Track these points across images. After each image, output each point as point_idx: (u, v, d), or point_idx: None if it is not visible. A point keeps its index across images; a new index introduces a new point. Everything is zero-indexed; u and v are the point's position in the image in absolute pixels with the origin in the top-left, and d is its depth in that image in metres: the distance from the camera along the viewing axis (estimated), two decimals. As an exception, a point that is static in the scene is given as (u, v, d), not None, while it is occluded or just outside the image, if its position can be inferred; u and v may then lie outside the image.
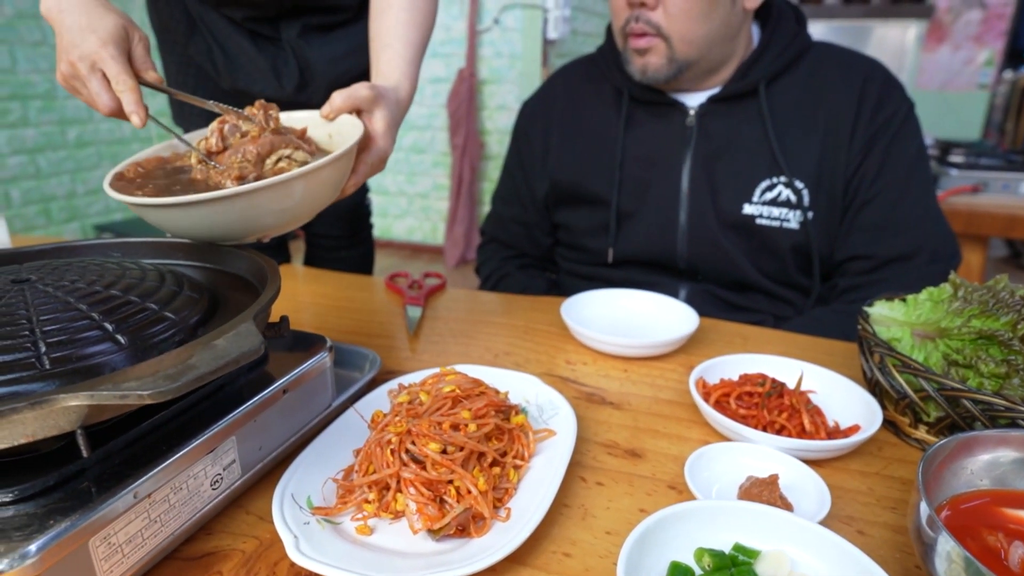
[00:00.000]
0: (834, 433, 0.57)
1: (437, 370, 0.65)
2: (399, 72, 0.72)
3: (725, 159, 0.95)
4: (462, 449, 0.49)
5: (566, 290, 1.12)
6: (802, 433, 0.57)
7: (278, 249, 1.29)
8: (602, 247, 1.04)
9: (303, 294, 0.95)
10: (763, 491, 0.48)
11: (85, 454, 0.38)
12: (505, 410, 0.55)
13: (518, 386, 0.63)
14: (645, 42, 0.89)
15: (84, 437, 0.38)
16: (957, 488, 0.45)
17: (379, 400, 0.61)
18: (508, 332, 0.82)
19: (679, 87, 0.97)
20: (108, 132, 3.02)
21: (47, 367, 0.40)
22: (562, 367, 0.73)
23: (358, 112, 0.66)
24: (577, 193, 1.05)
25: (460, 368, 0.65)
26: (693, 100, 0.97)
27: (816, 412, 0.59)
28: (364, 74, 1.13)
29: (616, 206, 1.01)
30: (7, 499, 0.38)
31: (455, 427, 0.50)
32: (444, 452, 0.48)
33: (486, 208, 3.52)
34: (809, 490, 0.50)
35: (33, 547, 0.35)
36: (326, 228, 1.35)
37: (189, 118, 1.12)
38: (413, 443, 0.48)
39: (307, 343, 0.59)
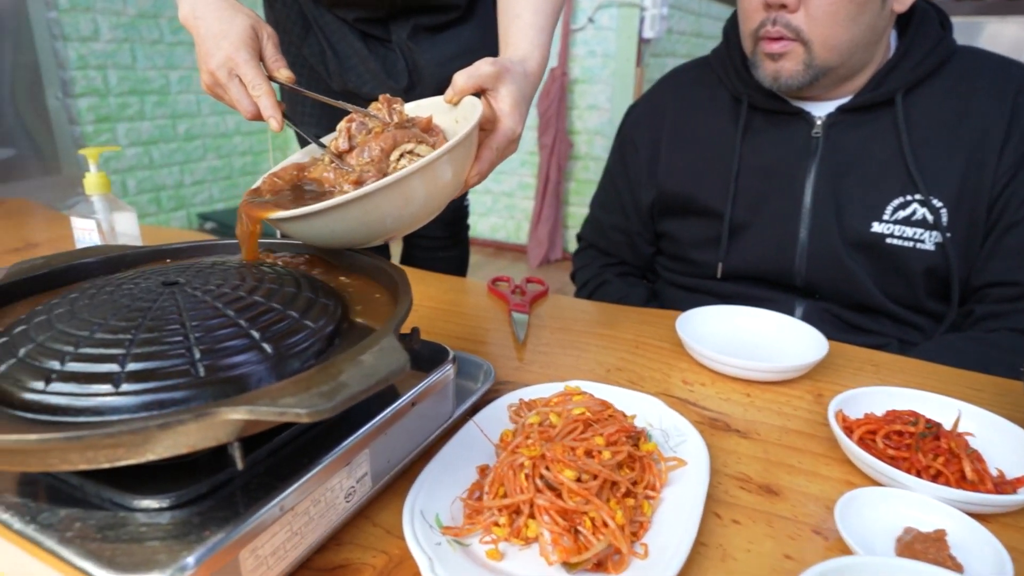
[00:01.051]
0: (1002, 484, 0.52)
1: (556, 386, 0.63)
2: (528, 41, 0.68)
3: (854, 174, 0.88)
4: (596, 477, 0.47)
5: (666, 301, 1.08)
6: (962, 482, 0.52)
7: (380, 248, 1.31)
8: (710, 260, 1.00)
9: (407, 296, 0.96)
10: (928, 548, 0.44)
11: (240, 466, 0.38)
12: (635, 436, 0.53)
13: (640, 408, 0.61)
14: (780, 46, 0.84)
15: (240, 449, 0.38)
16: None
17: (498, 413, 0.60)
18: (618, 345, 0.79)
19: (806, 95, 0.91)
20: (213, 126, 3.18)
21: (201, 375, 0.41)
22: (679, 387, 0.70)
23: (482, 91, 0.63)
24: (687, 203, 1.01)
25: (576, 384, 0.63)
26: (820, 109, 0.91)
27: (976, 458, 0.54)
28: None
29: (729, 219, 0.96)
30: (164, 505, 0.39)
31: (588, 453, 0.48)
32: (578, 480, 0.46)
33: (572, 208, 3.53)
34: (982, 551, 0.45)
35: (192, 559, 0.35)
36: (426, 228, 1.35)
37: (301, 117, 1.15)
38: (547, 468, 0.46)
39: (429, 353, 0.59)
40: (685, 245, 1.03)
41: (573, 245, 3.44)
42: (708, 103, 1.01)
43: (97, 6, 2.49)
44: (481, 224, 3.63)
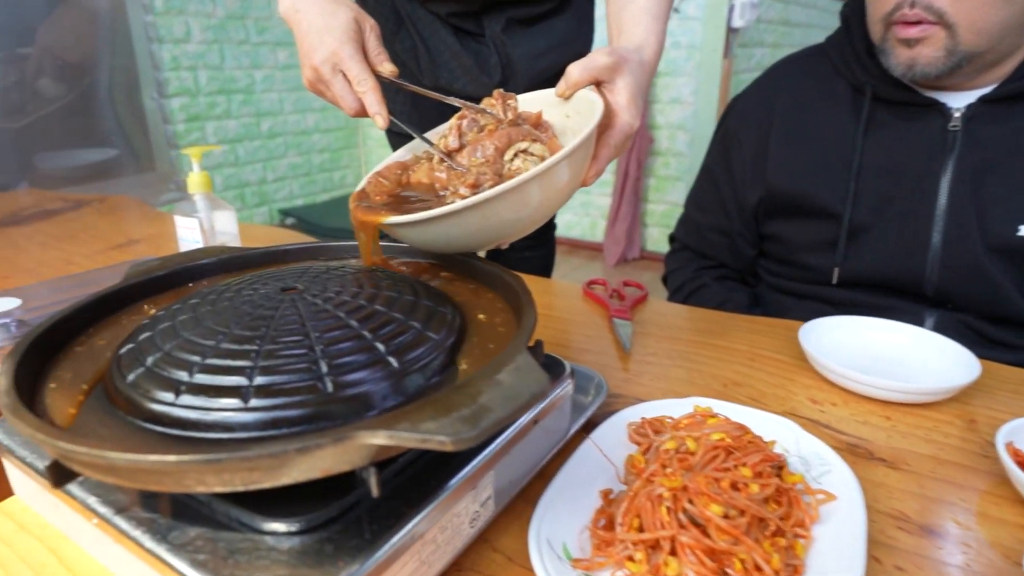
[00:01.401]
0: None
1: (677, 403, 0.59)
2: (643, 28, 0.63)
3: (999, 172, 0.80)
4: (743, 513, 0.42)
5: (771, 308, 1.01)
6: None
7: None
8: (824, 265, 0.92)
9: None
10: None
11: (375, 493, 0.35)
12: (778, 465, 0.48)
13: (773, 431, 0.55)
14: (918, 31, 0.77)
15: (376, 474, 0.35)
16: None
17: (616, 432, 0.56)
18: (731, 357, 0.74)
19: (942, 85, 0.83)
20: (294, 124, 3.26)
21: (329, 391, 0.38)
22: (807, 407, 0.64)
23: (597, 84, 0.59)
24: (798, 204, 0.94)
25: (704, 404, 0.58)
26: (958, 101, 0.83)
27: None
28: (564, 70, 1.09)
29: (848, 220, 0.89)
30: (293, 529, 0.37)
31: (734, 486, 0.43)
32: (725, 516, 0.41)
33: (651, 206, 3.43)
34: None
35: (331, 592, 0.33)
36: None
37: (390, 111, 1.13)
38: (691, 502, 0.42)
39: (544, 366, 0.55)
40: (795, 248, 0.96)
41: (652, 244, 3.36)
42: (824, 95, 0.94)
43: (189, 8, 2.58)
44: (557, 221, 3.56)
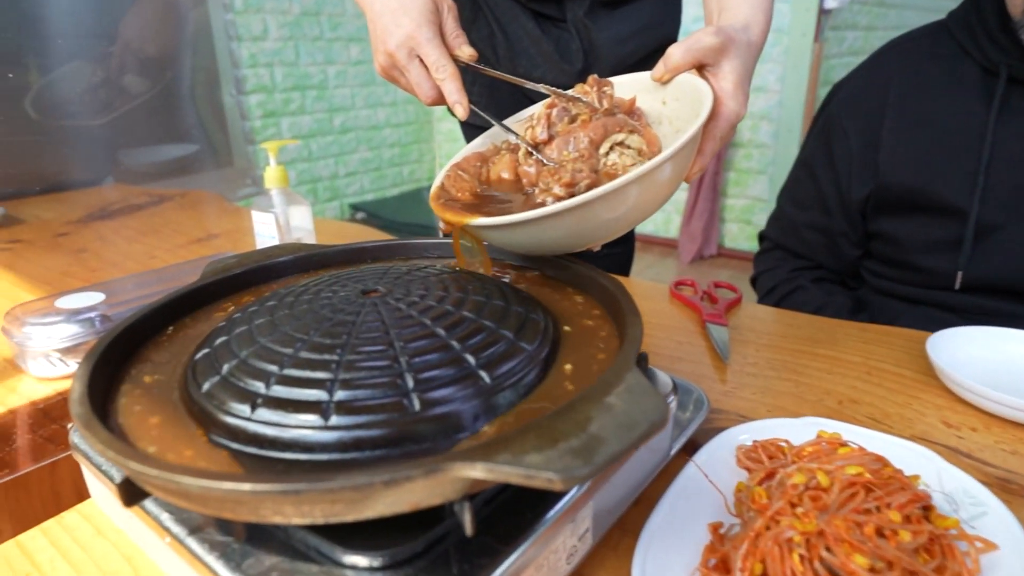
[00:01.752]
0: None
1: (790, 423, 0.52)
2: (749, 4, 0.56)
3: None
4: (892, 566, 0.35)
5: (877, 313, 0.92)
6: None
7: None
8: (945, 267, 0.83)
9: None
10: None
11: (469, 531, 0.31)
12: (923, 506, 0.41)
13: (908, 461, 0.48)
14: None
15: (470, 511, 0.31)
16: None
17: (721, 454, 0.50)
18: (843, 370, 0.66)
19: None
20: (365, 119, 3.30)
21: (416, 409, 0.34)
22: (940, 431, 0.56)
23: (699, 68, 0.53)
24: (915, 199, 0.84)
25: (815, 423, 0.52)
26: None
27: None
28: (650, 55, 1.02)
29: (976, 218, 0.79)
30: (376, 564, 0.33)
31: (879, 532, 0.37)
32: (871, 569, 0.35)
33: (730, 201, 3.28)
34: None
35: (419, 645, 0.29)
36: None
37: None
38: (829, 550, 0.36)
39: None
40: (909, 248, 0.86)
41: (730, 240, 3.21)
42: (947, 78, 0.84)
43: (267, 6, 2.64)
44: (638, 216, 3.47)
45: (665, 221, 3.38)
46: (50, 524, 0.48)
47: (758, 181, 3.02)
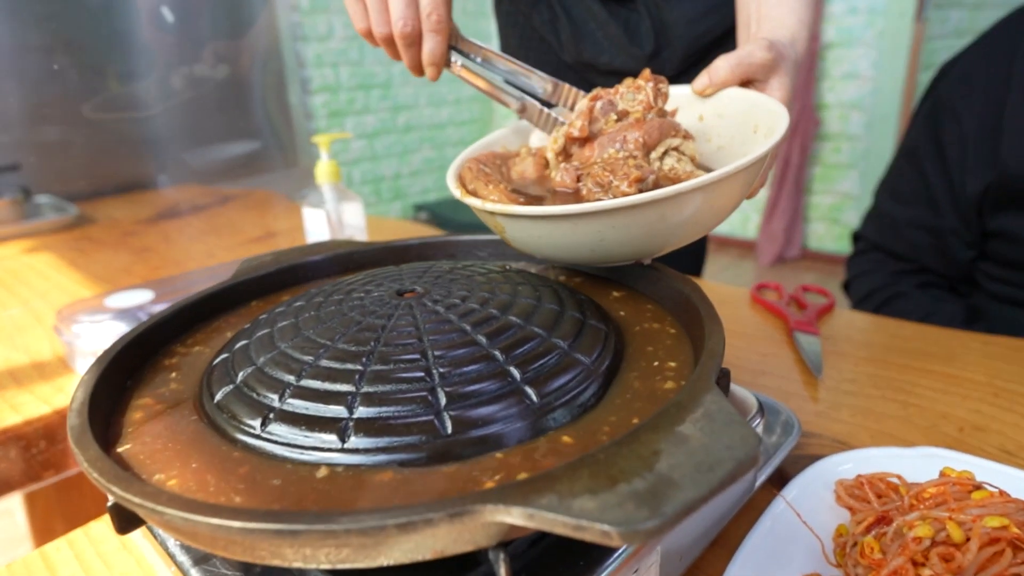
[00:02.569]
0: None
1: (900, 452, 0.44)
2: (795, 17, 0.51)
3: None
4: (1058, 655, 0.27)
5: (996, 324, 0.80)
6: None
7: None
8: (1083, 269, 0.71)
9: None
10: None
11: (504, 587, 0.25)
12: (1090, 571, 0.32)
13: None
14: None
15: (506, 563, 0.25)
16: None
17: (816, 487, 0.42)
18: (963, 390, 0.57)
19: None
20: (429, 117, 3.30)
21: (447, 431, 0.29)
22: (1092, 469, 0.46)
23: (748, 82, 0.48)
24: (1046, 190, 0.73)
25: (937, 456, 0.43)
26: None
27: None
28: (724, 35, 0.94)
29: (1124, 210, 0.67)
30: (396, 616, 0.28)
31: (1037, 608, 0.29)
32: (1030, 658, 0.27)
33: (815, 198, 3.06)
34: None
35: None
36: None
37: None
38: (970, 630, 0.28)
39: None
40: (1038, 249, 0.75)
41: (816, 241, 3.01)
42: (1087, 49, 0.72)
43: (332, 7, 2.68)
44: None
45: (743, 220, 3.19)
46: (76, 535, 0.46)
47: (848, 176, 2.80)
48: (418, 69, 0.53)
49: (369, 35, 0.52)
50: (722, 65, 0.48)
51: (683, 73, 0.89)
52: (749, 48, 0.47)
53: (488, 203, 0.41)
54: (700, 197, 0.38)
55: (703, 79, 0.49)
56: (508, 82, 0.54)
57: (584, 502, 0.22)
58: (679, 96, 0.52)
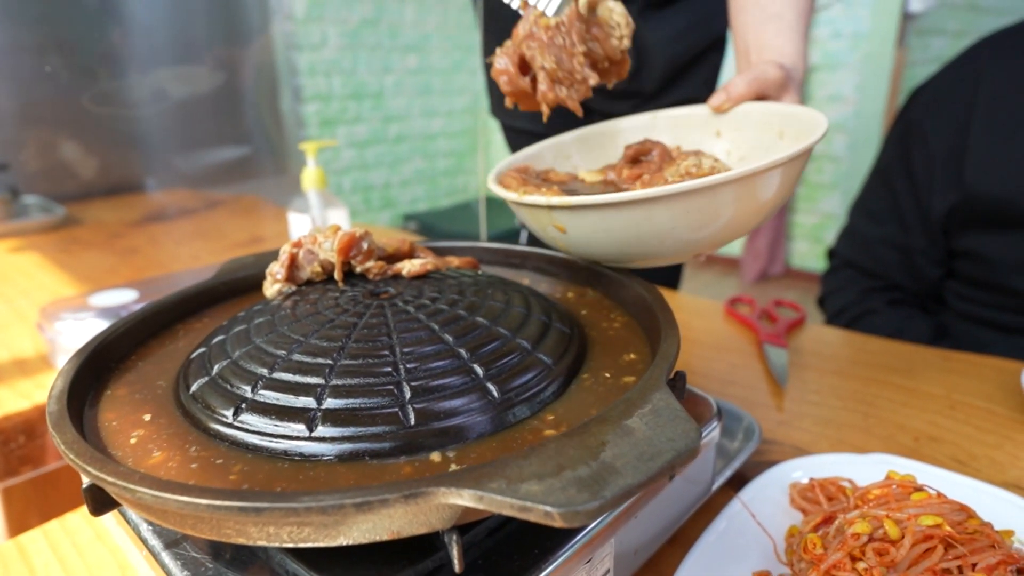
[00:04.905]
0: None
1: (852, 458, 0.46)
2: (793, 47, 0.54)
3: None
4: (979, 644, 0.29)
5: (963, 341, 0.83)
6: None
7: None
8: (1043, 289, 0.73)
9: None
10: None
11: (458, 568, 0.27)
12: (1018, 569, 0.34)
13: (999, 512, 0.41)
14: None
15: (458, 543, 0.27)
16: None
17: (771, 493, 0.44)
18: (922, 402, 0.59)
19: None
20: (421, 128, 3.32)
21: (410, 423, 0.30)
22: (1038, 478, 0.48)
23: (759, 100, 0.51)
24: (1009, 212, 0.75)
25: (884, 461, 0.45)
26: None
27: None
28: (701, 54, 0.97)
29: (1082, 233, 0.69)
30: (358, 597, 0.29)
31: (964, 601, 0.30)
32: (953, 646, 0.29)
33: (799, 217, 3.11)
34: None
35: None
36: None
37: (515, 113, 1.06)
38: (899, 619, 0.30)
39: (685, 403, 0.44)
40: (1001, 268, 0.77)
41: (798, 259, 3.04)
42: (1047, 77, 0.75)
43: (327, 16, 2.70)
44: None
45: (726, 238, 3.24)
46: (52, 525, 0.47)
47: (831, 196, 2.86)
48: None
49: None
50: (739, 82, 0.51)
51: (662, 90, 0.92)
52: (762, 67, 0.50)
53: (554, 197, 0.41)
54: (776, 176, 0.39)
55: (720, 95, 0.52)
56: None
57: (530, 486, 0.24)
58: (696, 116, 0.54)
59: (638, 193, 0.38)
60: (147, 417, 0.34)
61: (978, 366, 0.64)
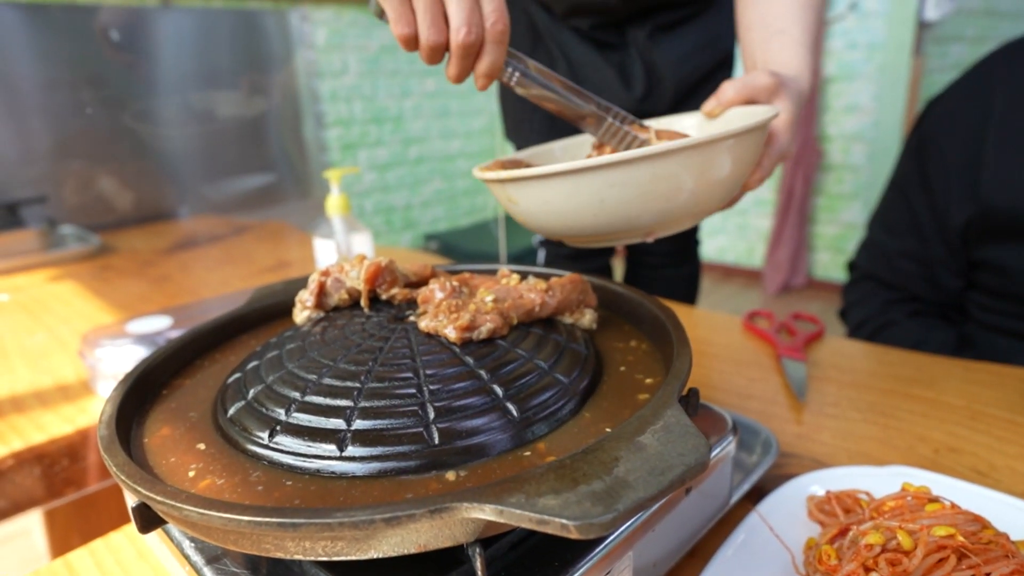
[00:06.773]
0: None
1: (871, 471, 0.46)
2: (798, 60, 0.57)
3: None
4: (994, 652, 0.30)
5: (985, 352, 0.82)
6: None
7: (601, 267, 1.20)
8: (1064, 298, 0.73)
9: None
10: None
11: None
12: (1035, 579, 0.34)
13: (1015, 522, 0.41)
14: None
15: (481, 557, 0.28)
16: None
17: (789, 505, 0.45)
18: (942, 413, 0.59)
19: None
20: (440, 149, 3.38)
21: (435, 442, 0.32)
22: (1059, 488, 0.48)
23: (752, 104, 0.53)
24: (1025, 222, 0.75)
25: (902, 473, 0.45)
26: None
27: None
28: (711, 72, 0.99)
29: (1102, 241, 0.69)
30: (387, 609, 0.31)
31: (976, 610, 0.31)
32: (967, 654, 0.29)
33: (820, 228, 3.10)
34: None
35: None
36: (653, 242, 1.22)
37: (527, 135, 1.08)
38: (912, 628, 0.30)
39: (701, 419, 0.45)
40: (1021, 279, 0.77)
41: (821, 270, 3.03)
42: (1062, 86, 0.75)
43: (347, 44, 2.78)
44: (707, 244, 3.31)
45: (748, 250, 3.22)
46: (97, 544, 0.49)
47: (851, 207, 2.84)
48: (461, 78, 0.46)
49: (410, 41, 0.44)
50: (728, 87, 0.53)
51: (673, 110, 0.94)
52: (754, 73, 0.52)
53: (502, 172, 0.44)
54: (691, 159, 0.41)
55: (711, 101, 0.55)
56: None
57: (548, 500, 0.25)
58: (686, 123, 0.57)
59: (568, 165, 0.40)
60: (189, 440, 0.36)
61: (999, 376, 0.64)
